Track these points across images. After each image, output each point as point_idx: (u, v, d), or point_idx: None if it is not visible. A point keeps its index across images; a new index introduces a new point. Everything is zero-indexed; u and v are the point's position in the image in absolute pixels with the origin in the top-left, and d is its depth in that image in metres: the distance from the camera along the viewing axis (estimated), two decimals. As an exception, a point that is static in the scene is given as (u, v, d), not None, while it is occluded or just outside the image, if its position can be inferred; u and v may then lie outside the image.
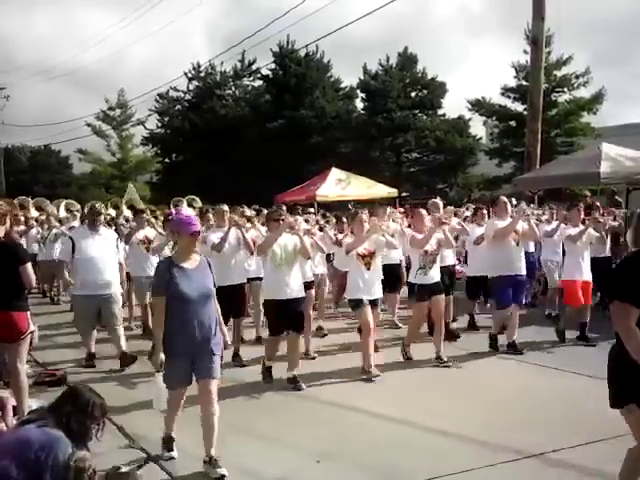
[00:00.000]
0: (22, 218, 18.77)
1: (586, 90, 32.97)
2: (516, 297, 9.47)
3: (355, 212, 9.32)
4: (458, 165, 38.09)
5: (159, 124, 44.88)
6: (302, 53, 40.19)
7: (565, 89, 33.30)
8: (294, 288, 8.09)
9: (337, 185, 22.66)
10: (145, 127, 45.89)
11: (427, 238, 8.94)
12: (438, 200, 11.46)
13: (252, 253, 9.57)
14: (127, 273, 11.35)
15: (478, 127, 40.52)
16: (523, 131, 22.91)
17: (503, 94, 34.63)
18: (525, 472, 5.44)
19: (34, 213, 20.42)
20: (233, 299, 8.83)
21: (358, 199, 22.61)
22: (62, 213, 19.66)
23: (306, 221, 9.70)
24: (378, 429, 6.51)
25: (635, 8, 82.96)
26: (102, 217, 9.78)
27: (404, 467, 5.58)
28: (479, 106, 35.35)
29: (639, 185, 16.34)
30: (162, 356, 5.44)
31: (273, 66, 41.19)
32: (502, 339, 9.66)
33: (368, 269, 8.50)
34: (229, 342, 6.28)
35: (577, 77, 32.84)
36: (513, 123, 33.99)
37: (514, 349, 9.38)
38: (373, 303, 8.56)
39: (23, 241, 16.45)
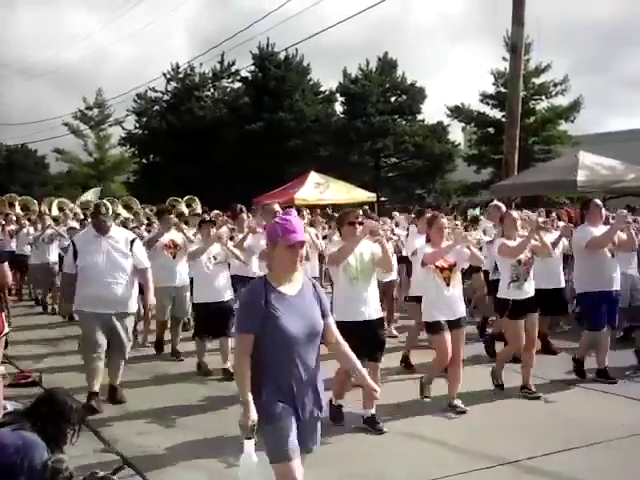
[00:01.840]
0: (14, 217, 18.44)
1: (564, 98, 33.32)
2: (610, 316, 8.19)
3: (433, 215, 7.71)
4: (436, 171, 38.24)
5: (137, 124, 44.72)
6: (282, 56, 40.20)
7: (543, 97, 33.61)
8: (372, 307, 6.58)
9: (316, 189, 22.69)
10: (123, 127, 45.72)
11: (523, 245, 7.50)
12: (500, 203, 10.56)
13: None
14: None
15: (457, 133, 40.83)
16: (501, 138, 23.05)
17: (482, 101, 34.90)
18: None
19: (20, 213, 19.79)
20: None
21: (337, 203, 22.65)
22: (54, 212, 18.84)
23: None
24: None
25: (615, 16, 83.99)
26: (111, 217, 8.42)
27: (378, 467, 5.58)
28: (458, 112, 35.57)
29: (616, 194, 16.50)
30: (254, 415, 3.78)
31: (252, 68, 41.19)
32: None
33: (448, 285, 7.05)
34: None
35: (555, 85, 33.17)
36: (491, 130, 34.25)
37: (605, 377, 8.07)
38: (455, 324, 7.08)
39: (14, 242, 16.13)
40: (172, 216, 10.64)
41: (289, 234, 3.92)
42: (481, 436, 6.32)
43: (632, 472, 5.50)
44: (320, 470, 4.80)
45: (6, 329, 6.65)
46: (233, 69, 43.30)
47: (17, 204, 20.77)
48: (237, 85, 44.13)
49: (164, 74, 43.35)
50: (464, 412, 6.92)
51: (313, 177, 23.51)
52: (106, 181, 47.47)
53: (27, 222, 16.81)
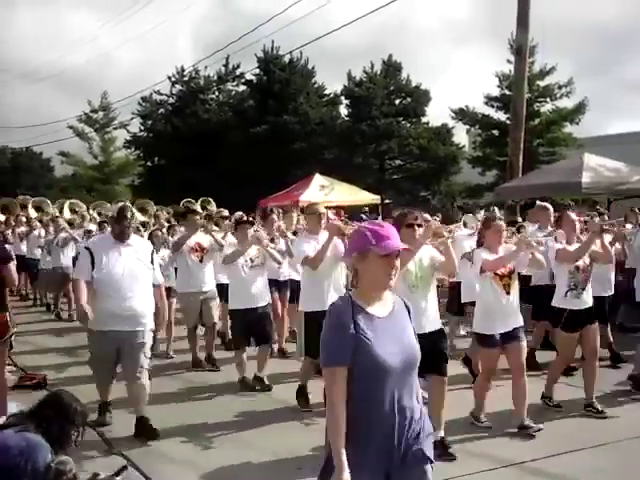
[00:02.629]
0: (24, 219, 17.92)
1: (569, 100, 33.25)
2: None
3: (490, 217, 7.10)
4: (441, 173, 38.18)
5: (142, 127, 44.74)
6: (286, 59, 40.19)
7: (548, 99, 33.52)
8: (432, 318, 6.00)
9: (320, 191, 22.66)
10: (128, 130, 45.73)
11: (584, 250, 6.94)
12: (546, 204, 9.88)
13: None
14: (167, 289, 8.69)
15: (461, 135, 40.71)
16: (506, 140, 23.02)
17: (486, 103, 34.79)
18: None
19: (33, 214, 19.23)
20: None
21: (341, 205, 22.64)
22: (66, 214, 18.00)
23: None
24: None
25: (620, 19, 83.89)
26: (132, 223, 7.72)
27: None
28: (462, 115, 35.49)
29: (620, 196, 16.46)
30: (346, 476, 2.97)
31: (257, 71, 41.12)
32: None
33: (507, 293, 6.52)
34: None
35: (560, 87, 33.06)
36: (496, 132, 34.14)
37: None
38: (510, 336, 6.52)
39: (24, 245, 15.89)
40: (198, 217, 10.02)
41: (384, 241, 3.19)
42: (484, 438, 6.32)
43: (636, 474, 5.50)
44: None
45: (11, 331, 6.67)
46: (238, 72, 43.28)
47: (30, 205, 20.18)
48: (242, 88, 44.10)
49: (169, 77, 43.42)
50: (540, 430, 6.42)
51: (318, 179, 23.51)
52: (111, 184, 47.54)
53: (38, 224, 16.36)
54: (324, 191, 22.74)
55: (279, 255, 8.75)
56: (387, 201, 32.21)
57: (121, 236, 6.63)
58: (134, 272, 6.53)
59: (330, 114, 40.54)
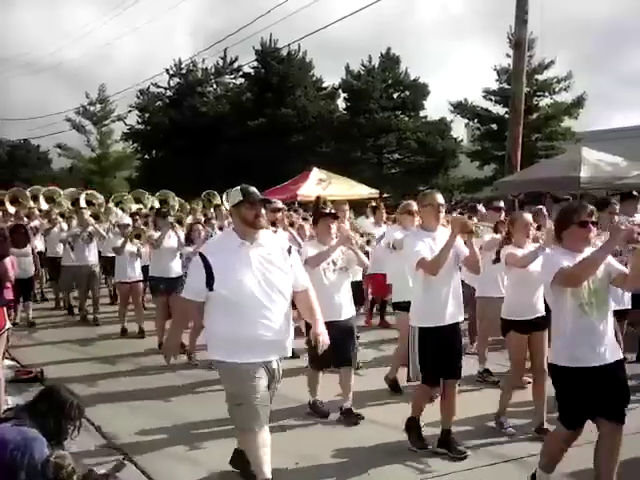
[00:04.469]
0: (37, 211, 16.74)
1: (568, 94, 33.23)
2: None
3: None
4: (439, 167, 38.18)
5: (139, 120, 44.71)
6: (284, 52, 40.11)
7: (546, 93, 33.50)
8: (610, 344, 4.71)
9: (318, 185, 22.62)
10: (125, 123, 45.71)
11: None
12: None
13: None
14: None
15: (459, 129, 40.68)
16: (504, 134, 22.97)
17: (485, 97, 34.80)
18: None
19: (44, 206, 18.07)
20: None
21: (339, 199, 22.58)
22: (82, 206, 16.60)
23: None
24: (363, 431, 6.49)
25: (619, 13, 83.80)
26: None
27: (381, 468, 5.56)
28: (461, 108, 35.50)
29: (618, 191, 16.43)
30: None
31: (255, 64, 41.09)
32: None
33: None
34: None
35: (558, 81, 33.07)
36: (494, 126, 34.16)
37: None
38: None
39: (40, 241, 14.30)
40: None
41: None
42: (484, 433, 6.31)
43: (637, 470, 5.48)
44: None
45: (7, 324, 6.64)
46: (236, 65, 43.32)
47: (41, 196, 18.81)
48: (240, 81, 44.12)
49: (167, 70, 43.41)
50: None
51: (316, 173, 23.48)
52: (108, 177, 47.47)
53: (60, 218, 14.73)
54: (322, 185, 22.71)
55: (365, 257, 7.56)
56: (385, 195, 32.18)
57: (248, 231, 4.79)
58: (271, 283, 4.81)
59: (328, 107, 40.49)
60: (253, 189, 4.83)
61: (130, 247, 11.50)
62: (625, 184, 15.61)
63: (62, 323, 12.84)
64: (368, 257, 8.46)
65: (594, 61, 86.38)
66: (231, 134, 37.98)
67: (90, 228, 12.94)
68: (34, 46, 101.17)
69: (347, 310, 6.89)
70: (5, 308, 6.65)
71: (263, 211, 4.80)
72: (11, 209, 17.33)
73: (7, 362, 8.19)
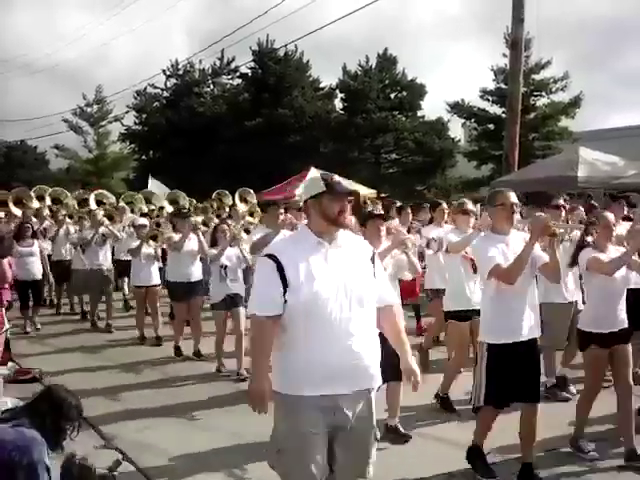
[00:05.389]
0: (47, 211, 15.86)
1: (565, 94, 33.25)
2: None
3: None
4: (437, 167, 38.17)
5: (136, 121, 44.67)
6: (282, 52, 40.07)
7: (543, 93, 33.53)
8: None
9: (316, 185, 22.62)
10: (122, 124, 45.64)
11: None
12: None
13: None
14: (232, 296, 8.77)
15: (457, 129, 40.70)
16: (501, 134, 23.02)
17: (482, 97, 34.79)
18: None
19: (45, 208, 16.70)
20: None
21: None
22: (93, 207, 15.99)
23: None
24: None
25: (616, 13, 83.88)
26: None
27: (383, 467, 5.56)
28: (458, 108, 35.49)
29: (615, 190, 16.47)
30: None
31: (252, 65, 41.08)
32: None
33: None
34: None
35: (556, 81, 33.08)
36: (491, 126, 34.18)
37: None
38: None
39: (47, 244, 13.66)
40: (282, 210, 8.06)
41: None
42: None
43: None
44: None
45: (6, 326, 6.65)
46: (233, 65, 43.25)
47: (47, 197, 17.51)
48: (237, 81, 44.06)
49: (163, 70, 43.32)
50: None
51: (313, 173, 23.46)
52: (106, 178, 47.40)
53: (69, 220, 14.27)
54: (319, 185, 22.69)
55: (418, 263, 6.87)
56: (383, 195, 32.20)
57: (338, 225, 3.76)
58: (356, 294, 3.71)
59: (325, 108, 40.46)
60: (338, 178, 3.90)
61: (146, 249, 10.86)
62: (622, 183, 15.66)
63: (59, 322, 12.89)
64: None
65: (591, 61, 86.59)
66: (228, 135, 37.95)
67: (103, 229, 12.31)
68: (31, 47, 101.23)
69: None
70: (4, 309, 6.65)
71: (348, 206, 3.80)
72: (16, 211, 16.52)
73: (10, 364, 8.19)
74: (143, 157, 45.30)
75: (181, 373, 8.95)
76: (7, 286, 7.05)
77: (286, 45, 38.70)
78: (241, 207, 15.01)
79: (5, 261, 6.51)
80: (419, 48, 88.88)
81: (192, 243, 9.79)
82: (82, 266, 12.47)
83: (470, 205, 7.26)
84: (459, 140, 40.07)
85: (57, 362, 9.53)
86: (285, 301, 3.61)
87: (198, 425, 6.77)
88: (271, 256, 3.69)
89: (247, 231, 9.80)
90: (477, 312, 5.98)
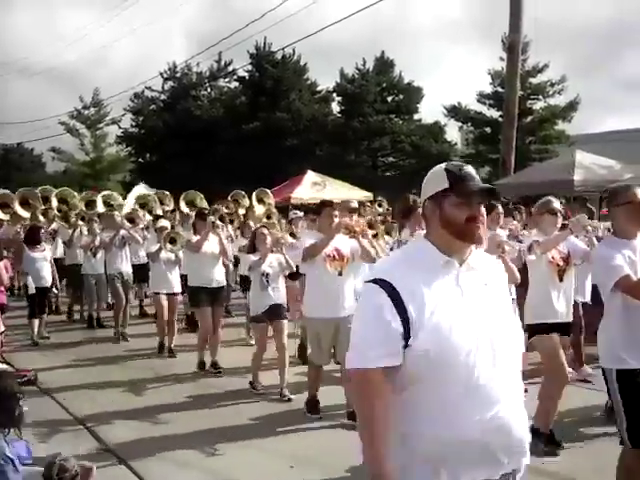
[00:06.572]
0: (56, 212, 15.06)
1: (561, 98, 33.34)
2: None
3: None
4: (433, 170, 38.20)
5: (133, 124, 44.67)
6: (279, 55, 40.11)
7: (540, 96, 33.60)
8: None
9: (312, 188, 22.66)
10: (119, 126, 45.64)
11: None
12: None
13: None
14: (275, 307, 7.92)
15: (453, 133, 40.79)
16: (498, 137, 23.05)
17: (479, 100, 34.90)
18: None
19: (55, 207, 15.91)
20: None
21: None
22: (100, 209, 15.28)
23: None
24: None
25: (612, 17, 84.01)
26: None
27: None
28: (455, 112, 35.58)
29: (612, 193, 16.49)
30: None
31: (249, 68, 41.09)
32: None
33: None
34: None
35: (552, 85, 33.17)
36: (488, 129, 34.27)
37: None
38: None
39: (60, 246, 13.45)
40: (336, 212, 7.08)
41: None
42: None
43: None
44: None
45: (1, 328, 6.64)
46: (230, 68, 43.22)
47: (54, 198, 16.29)
48: (234, 84, 44.07)
49: (161, 73, 43.28)
50: None
51: (310, 176, 23.50)
52: (103, 180, 47.36)
53: (80, 222, 13.34)
54: (316, 188, 22.73)
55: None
56: (379, 198, 32.21)
57: (475, 241, 2.68)
58: (501, 338, 2.63)
59: (322, 111, 40.51)
60: (469, 170, 2.72)
61: (166, 254, 10.09)
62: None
63: (52, 323, 12.62)
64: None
65: (588, 64, 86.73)
66: (225, 138, 37.95)
67: (123, 232, 11.64)
68: (28, 50, 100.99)
69: None
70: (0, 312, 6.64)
71: (483, 211, 2.68)
72: (22, 212, 15.80)
73: (0, 365, 8.16)
74: (140, 160, 45.29)
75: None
76: (2, 289, 7.03)
77: (283, 48, 38.74)
78: (259, 209, 14.47)
79: (1, 264, 6.49)
80: (416, 51, 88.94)
81: (212, 244, 9.17)
82: (93, 271, 12.17)
83: (557, 204, 6.44)
84: (456, 143, 40.16)
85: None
86: (406, 346, 2.53)
87: (200, 433, 6.75)
88: (383, 283, 2.59)
89: (292, 234, 9.21)
90: (563, 327, 5.91)
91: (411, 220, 6.93)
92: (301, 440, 6.38)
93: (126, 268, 11.89)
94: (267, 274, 7.84)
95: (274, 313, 7.83)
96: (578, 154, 16.63)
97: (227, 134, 38.07)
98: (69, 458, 4.20)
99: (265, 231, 8.20)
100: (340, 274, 6.69)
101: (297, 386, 7.76)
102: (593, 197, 16.31)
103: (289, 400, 7.50)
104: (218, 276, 9.29)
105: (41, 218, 14.22)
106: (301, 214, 11.24)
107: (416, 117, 40.25)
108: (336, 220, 6.61)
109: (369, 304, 2.61)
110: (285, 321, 7.96)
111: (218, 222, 9.51)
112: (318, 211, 6.96)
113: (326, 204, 7.02)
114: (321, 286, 6.69)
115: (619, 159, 17.25)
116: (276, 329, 7.90)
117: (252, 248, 8.14)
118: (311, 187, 22.67)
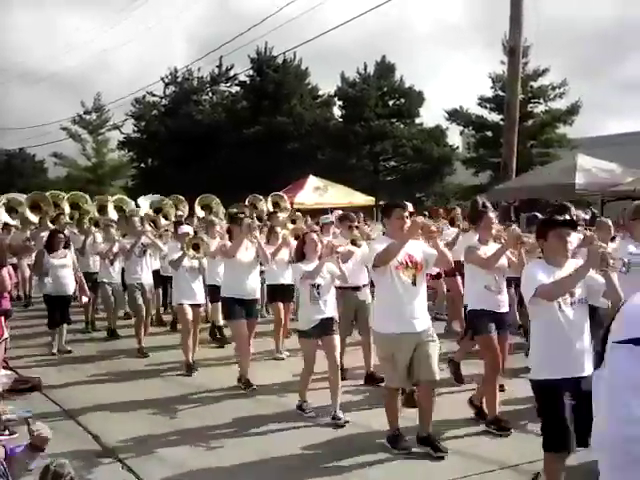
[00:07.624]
0: (66, 218, 14.52)
1: (563, 101, 33.30)
2: None
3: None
4: (435, 174, 38.18)
5: (135, 129, 44.74)
6: (280, 60, 40.17)
7: (541, 100, 33.58)
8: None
9: (314, 192, 22.69)
10: (121, 131, 45.72)
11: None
12: None
13: None
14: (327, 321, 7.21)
15: (455, 137, 40.74)
16: (499, 141, 23.05)
17: (480, 104, 34.83)
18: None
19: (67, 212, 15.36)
20: None
21: (336, 207, 22.64)
22: (112, 215, 14.92)
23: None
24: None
25: (614, 20, 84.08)
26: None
27: (383, 477, 5.57)
28: (456, 116, 35.52)
29: (613, 197, 16.51)
30: None
31: (251, 72, 41.14)
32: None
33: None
34: None
35: (554, 88, 33.12)
36: (489, 133, 34.21)
37: None
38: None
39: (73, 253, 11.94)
40: (418, 217, 6.61)
41: None
42: (481, 441, 6.31)
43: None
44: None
45: (5, 334, 6.65)
46: (231, 73, 43.29)
47: (65, 204, 15.80)
48: (235, 89, 44.08)
49: (162, 78, 43.39)
50: None
51: (312, 181, 23.53)
52: (104, 185, 47.40)
53: (94, 228, 12.82)
54: (318, 192, 22.77)
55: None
56: (381, 202, 32.23)
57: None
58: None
59: (324, 115, 40.52)
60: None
61: (189, 261, 9.45)
62: (620, 190, 15.69)
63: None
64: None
65: (589, 68, 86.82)
66: (227, 142, 37.99)
67: (144, 239, 10.98)
68: (29, 55, 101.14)
69: (588, 364, 4.69)
70: (3, 317, 6.65)
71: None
72: (32, 217, 15.11)
73: (4, 372, 8.17)
74: (142, 165, 45.38)
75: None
76: (6, 295, 7.04)
77: (285, 53, 38.85)
78: (282, 213, 14.06)
79: (5, 270, 6.50)
80: (417, 56, 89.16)
81: (248, 252, 8.63)
82: (110, 279, 11.61)
83: None
84: (457, 147, 40.12)
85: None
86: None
87: (200, 434, 6.75)
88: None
89: (353, 242, 8.56)
90: None
91: (480, 225, 6.77)
92: (300, 440, 6.38)
93: (147, 278, 11.18)
94: (319, 285, 7.16)
95: (325, 328, 7.14)
96: (579, 158, 16.68)
97: (228, 139, 38.11)
98: (64, 463, 4.20)
99: (315, 237, 7.55)
100: (414, 283, 6.02)
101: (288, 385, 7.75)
102: (594, 200, 16.37)
103: (344, 425, 6.83)
104: (253, 286, 8.69)
105: (50, 225, 13.53)
106: (332, 218, 10.59)
107: (417, 121, 40.22)
108: (408, 222, 6.01)
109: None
110: (337, 336, 7.24)
111: (256, 222, 8.80)
112: (388, 213, 6.27)
113: (395, 205, 6.33)
114: (395, 298, 5.98)
115: (620, 163, 17.29)
116: (327, 345, 7.18)
117: (301, 255, 7.42)
118: (313, 192, 22.70)
